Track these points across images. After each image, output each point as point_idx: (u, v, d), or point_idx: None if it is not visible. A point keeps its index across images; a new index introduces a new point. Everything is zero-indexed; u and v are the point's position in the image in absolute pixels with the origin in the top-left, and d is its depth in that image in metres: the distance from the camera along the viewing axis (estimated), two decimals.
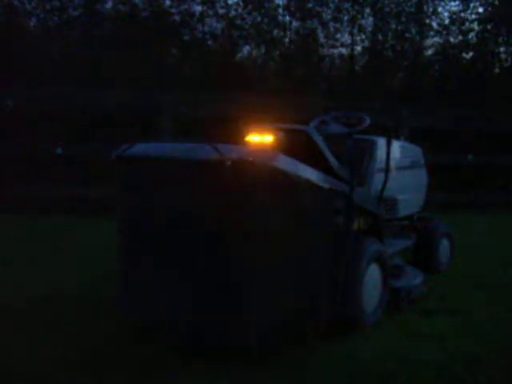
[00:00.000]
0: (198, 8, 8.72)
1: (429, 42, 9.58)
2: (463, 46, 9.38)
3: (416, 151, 3.81)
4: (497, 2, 9.35)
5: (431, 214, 4.17)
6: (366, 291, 2.73)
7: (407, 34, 9.45)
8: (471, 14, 9.34)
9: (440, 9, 9.40)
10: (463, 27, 9.32)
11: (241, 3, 8.73)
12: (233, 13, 8.80)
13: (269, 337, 2.31)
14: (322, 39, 9.27)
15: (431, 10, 9.41)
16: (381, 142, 3.25)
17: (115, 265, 2.70)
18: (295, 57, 9.21)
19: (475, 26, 9.34)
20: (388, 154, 3.14)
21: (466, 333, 2.78)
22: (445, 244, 4.01)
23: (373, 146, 3.25)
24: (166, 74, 7.72)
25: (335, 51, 9.52)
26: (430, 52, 9.77)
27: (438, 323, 2.91)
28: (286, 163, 2.20)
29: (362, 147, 3.25)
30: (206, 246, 2.25)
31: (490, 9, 9.33)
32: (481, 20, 9.31)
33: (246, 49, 9.24)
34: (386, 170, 3.11)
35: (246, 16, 8.77)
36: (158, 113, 6.00)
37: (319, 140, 2.61)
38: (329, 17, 9.10)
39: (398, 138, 3.69)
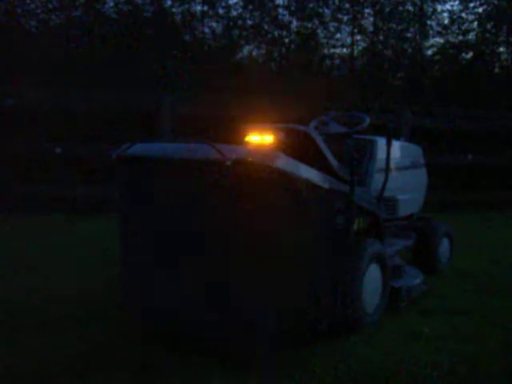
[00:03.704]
0: (199, 8, 8.74)
1: (429, 41, 9.61)
2: (463, 46, 9.38)
3: (416, 151, 3.81)
4: (496, 2, 9.35)
5: (431, 214, 4.18)
6: (366, 291, 2.73)
7: (407, 34, 9.46)
8: (471, 14, 9.35)
9: (440, 9, 9.44)
10: (463, 27, 9.33)
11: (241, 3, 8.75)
12: (233, 13, 8.82)
13: (269, 337, 2.31)
14: (322, 39, 9.29)
15: (431, 9, 9.43)
16: (381, 142, 3.26)
17: (115, 265, 2.70)
18: (295, 57, 9.22)
19: (475, 25, 9.35)
20: (388, 153, 3.14)
21: (465, 333, 2.78)
22: (444, 244, 4.02)
23: (373, 146, 3.25)
24: (166, 74, 7.73)
25: (335, 51, 9.54)
26: (430, 52, 9.79)
27: (438, 323, 2.91)
28: (286, 163, 2.20)
29: (362, 147, 3.25)
30: (205, 245, 2.25)
31: (489, 8, 9.34)
32: (481, 20, 9.32)
33: (247, 49, 9.26)
34: (386, 169, 3.11)
35: (246, 16, 8.79)
36: (158, 113, 6.00)
37: (319, 140, 2.61)
38: (329, 17, 9.11)
39: (397, 138, 3.69)
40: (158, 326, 2.57)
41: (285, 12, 9.03)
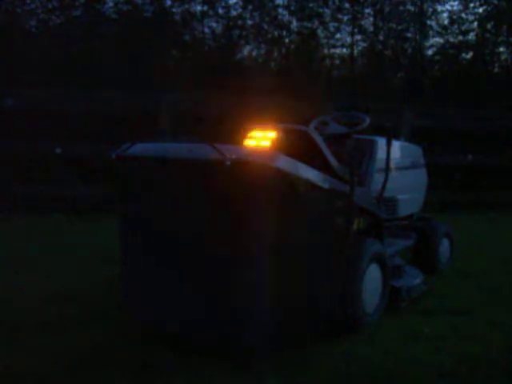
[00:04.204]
0: (199, 8, 8.74)
1: (429, 41, 9.60)
2: (463, 46, 9.38)
3: (416, 151, 3.81)
4: (496, 2, 9.35)
5: (431, 213, 4.18)
6: (366, 291, 2.73)
7: (407, 34, 9.46)
8: (471, 14, 9.35)
9: (440, 9, 9.42)
10: (463, 27, 9.33)
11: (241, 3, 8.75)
12: (233, 13, 8.82)
13: (269, 337, 2.31)
14: (322, 39, 9.28)
15: (431, 10, 9.43)
16: (381, 142, 3.26)
17: (115, 265, 2.70)
18: (295, 57, 9.22)
19: (475, 26, 9.35)
20: (388, 153, 3.14)
21: (465, 333, 2.78)
22: (445, 244, 4.02)
23: (373, 145, 3.25)
24: (166, 74, 7.72)
25: (335, 51, 9.54)
26: (430, 52, 9.79)
27: (437, 323, 2.91)
28: (286, 163, 2.20)
29: (362, 147, 3.25)
30: (205, 245, 2.25)
31: (489, 8, 9.34)
32: (481, 20, 9.31)
33: (247, 49, 9.26)
34: (386, 169, 3.11)
35: (246, 16, 8.79)
36: (158, 113, 6.00)
37: (319, 140, 2.61)
38: (329, 17, 9.11)
39: (397, 137, 3.70)
40: (157, 326, 2.57)
41: (285, 12, 9.03)
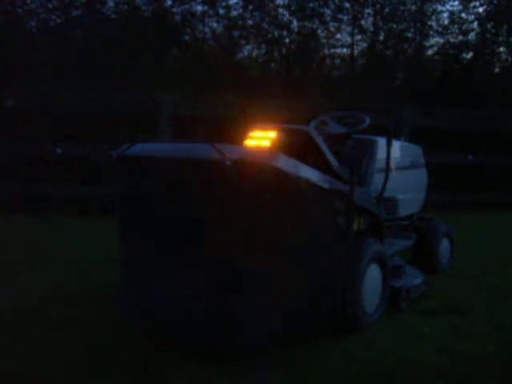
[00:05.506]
0: (199, 8, 8.75)
1: (429, 41, 9.61)
2: (463, 46, 9.38)
3: (416, 151, 3.81)
4: (496, 2, 9.35)
5: (431, 214, 4.18)
6: (366, 291, 2.73)
7: (407, 34, 9.46)
8: (471, 14, 9.35)
9: (440, 9, 9.42)
10: (463, 27, 9.33)
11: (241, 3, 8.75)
12: (233, 13, 8.83)
13: (269, 337, 2.31)
14: (322, 39, 9.29)
15: (431, 10, 9.43)
16: (381, 142, 3.26)
17: (115, 265, 2.70)
18: (296, 57, 9.22)
19: (475, 25, 9.35)
20: (388, 153, 3.14)
21: (466, 333, 2.78)
22: (445, 244, 4.02)
23: (373, 145, 3.25)
24: (166, 74, 7.73)
25: (335, 51, 9.54)
26: (430, 52, 9.79)
27: (438, 323, 2.91)
28: (286, 163, 2.20)
29: (362, 147, 3.25)
30: (205, 245, 2.25)
31: (489, 8, 9.34)
32: (481, 20, 9.31)
33: (247, 49, 9.26)
34: (386, 169, 3.11)
35: (246, 16, 8.79)
36: (158, 113, 6.00)
37: (319, 140, 2.61)
38: (329, 17, 9.11)
39: (397, 137, 3.70)
40: (157, 326, 2.57)
41: (285, 12, 9.03)
